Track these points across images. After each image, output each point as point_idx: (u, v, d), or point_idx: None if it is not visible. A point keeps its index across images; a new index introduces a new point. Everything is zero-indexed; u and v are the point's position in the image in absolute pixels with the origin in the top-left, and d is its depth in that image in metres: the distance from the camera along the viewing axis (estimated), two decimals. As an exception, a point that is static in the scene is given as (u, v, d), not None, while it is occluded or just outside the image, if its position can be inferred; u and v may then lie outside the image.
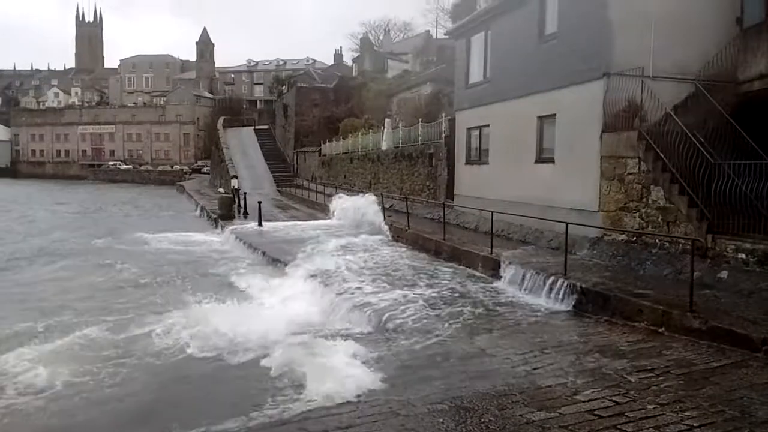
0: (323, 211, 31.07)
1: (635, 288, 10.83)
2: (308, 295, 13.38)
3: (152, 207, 48.31)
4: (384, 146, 32.59)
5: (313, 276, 14.57)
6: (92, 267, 19.14)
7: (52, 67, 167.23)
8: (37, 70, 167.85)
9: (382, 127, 34.58)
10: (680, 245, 12.19)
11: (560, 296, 11.28)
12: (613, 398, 6.62)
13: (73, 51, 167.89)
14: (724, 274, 11.04)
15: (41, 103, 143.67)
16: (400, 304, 11.55)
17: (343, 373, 7.71)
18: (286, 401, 7.24)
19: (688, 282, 9.45)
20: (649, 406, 6.37)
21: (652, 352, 8.26)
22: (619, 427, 5.90)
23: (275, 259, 17.85)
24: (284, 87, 71.59)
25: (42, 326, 11.59)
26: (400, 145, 30.10)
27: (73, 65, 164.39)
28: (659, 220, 12.82)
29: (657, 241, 12.87)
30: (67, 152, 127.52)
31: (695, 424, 5.90)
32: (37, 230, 31.65)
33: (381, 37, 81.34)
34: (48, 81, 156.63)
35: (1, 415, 7.58)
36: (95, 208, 48.25)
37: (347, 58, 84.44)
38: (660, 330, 9.16)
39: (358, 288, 13.10)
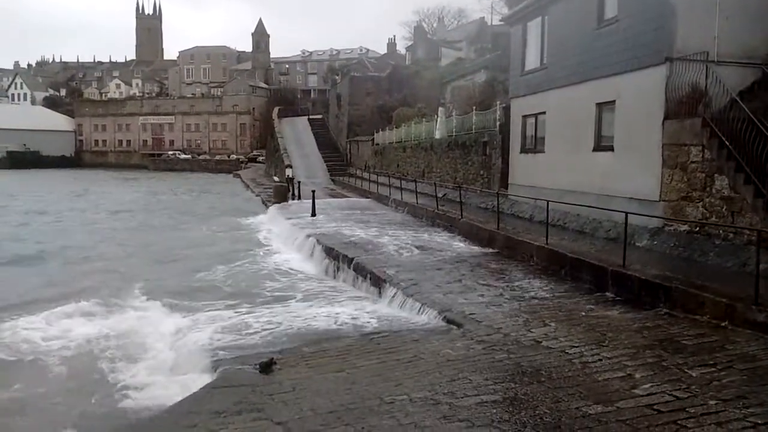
0: (378, 200, 31.28)
1: (697, 280, 10.49)
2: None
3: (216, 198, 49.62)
4: (437, 135, 32.42)
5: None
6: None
7: (113, 59, 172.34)
8: (99, 62, 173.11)
9: (435, 116, 34.39)
10: (745, 236, 11.75)
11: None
12: (674, 393, 6.45)
13: (134, 43, 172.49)
14: (792, 266, 10.58)
15: (103, 95, 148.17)
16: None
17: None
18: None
19: (753, 274, 9.09)
20: (711, 402, 6.17)
21: (715, 346, 7.99)
22: (679, 422, 5.74)
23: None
24: (338, 76, 72.01)
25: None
26: (454, 133, 29.87)
27: (134, 57, 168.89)
28: (723, 210, 12.37)
29: (721, 231, 12.43)
30: (128, 142, 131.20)
31: (759, 422, 5.69)
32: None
33: (435, 25, 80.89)
34: (110, 72, 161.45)
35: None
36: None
37: (400, 47, 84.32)
38: (723, 324, 8.85)
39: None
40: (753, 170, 11.73)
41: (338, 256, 16.05)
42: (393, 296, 12.07)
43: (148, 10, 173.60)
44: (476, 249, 16.50)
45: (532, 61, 21.13)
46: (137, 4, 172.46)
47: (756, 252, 9.40)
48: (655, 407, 6.10)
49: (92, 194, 51.26)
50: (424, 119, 36.96)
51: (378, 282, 13.13)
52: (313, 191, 27.09)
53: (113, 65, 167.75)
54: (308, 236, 19.62)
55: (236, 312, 12.19)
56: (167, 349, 10.37)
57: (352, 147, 55.38)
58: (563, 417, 6.00)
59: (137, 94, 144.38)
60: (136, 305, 13.62)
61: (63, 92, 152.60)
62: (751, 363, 7.31)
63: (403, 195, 27.95)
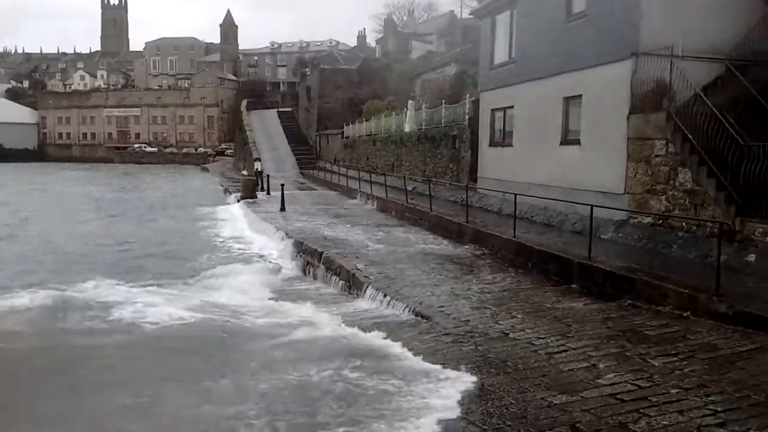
0: (348, 194, 31.22)
1: (661, 271, 10.68)
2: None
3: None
4: (407, 128, 32.44)
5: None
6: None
7: (78, 51, 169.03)
8: (63, 53, 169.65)
9: (405, 109, 34.40)
10: (707, 228, 11.98)
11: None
12: (637, 382, 6.56)
13: (99, 34, 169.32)
14: (751, 257, 10.84)
15: (67, 86, 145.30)
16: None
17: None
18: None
19: (714, 266, 9.27)
20: (673, 391, 6.29)
21: (677, 336, 8.15)
22: (641, 411, 5.85)
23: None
24: (307, 69, 71.68)
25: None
26: (423, 126, 29.93)
27: (99, 48, 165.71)
28: (686, 203, 12.60)
29: (684, 224, 12.66)
30: (93, 135, 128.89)
31: (719, 409, 5.82)
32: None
33: (405, 18, 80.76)
34: (74, 64, 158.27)
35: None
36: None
37: (370, 40, 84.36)
38: (685, 314, 9.02)
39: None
40: (715, 164, 11.96)
41: (308, 250, 15.96)
42: (363, 290, 12.04)
43: (114, 1, 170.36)
44: (445, 242, 16.56)
45: (500, 54, 21.22)
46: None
47: (717, 244, 9.60)
48: (618, 396, 6.20)
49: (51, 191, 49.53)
50: (394, 112, 36.96)
51: (348, 276, 13.10)
52: (282, 185, 26.82)
53: (78, 56, 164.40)
54: (277, 230, 19.50)
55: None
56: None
57: (322, 140, 55.17)
58: (529, 407, 6.07)
59: (102, 86, 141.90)
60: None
61: (26, 84, 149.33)
62: (712, 352, 7.46)
63: (373, 188, 27.93)
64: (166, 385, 7.73)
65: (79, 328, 10.33)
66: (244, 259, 17.07)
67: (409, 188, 24.16)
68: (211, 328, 10.24)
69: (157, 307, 11.26)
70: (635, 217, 14.02)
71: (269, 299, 12.48)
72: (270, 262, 16.50)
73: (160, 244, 20.76)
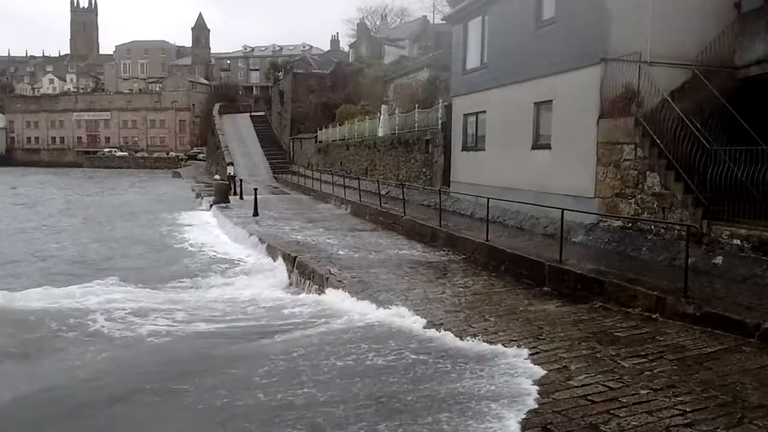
0: (322, 198, 31.16)
1: (630, 274, 10.84)
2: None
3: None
4: (380, 133, 32.50)
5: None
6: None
7: (46, 54, 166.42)
8: (32, 56, 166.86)
9: (378, 114, 34.47)
10: (675, 231, 12.19)
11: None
12: (607, 383, 6.64)
13: (68, 37, 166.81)
14: (719, 260, 11.05)
15: (36, 90, 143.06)
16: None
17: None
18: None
19: (683, 268, 9.45)
20: (642, 392, 6.38)
21: (646, 337, 8.26)
22: (612, 411, 5.92)
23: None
24: (280, 73, 71.27)
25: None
26: (397, 131, 30.02)
27: (68, 51, 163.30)
28: (655, 206, 12.81)
29: (652, 227, 12.87)
30: (62, 139, 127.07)
31: (688, 409, 5.92)
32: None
33: (378, 23, 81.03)
34: (43, 67, 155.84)
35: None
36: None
37: (344, 44, 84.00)
38: (654, 316, 9.16)
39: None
40: (683, 168, 12.19)
41: (282, 255, 15.86)
42: (336, 294, 12.00)
43: (84, 4, 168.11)
44: (419, 246, 16.59)
45: (473, 60, 21.39)
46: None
47: (685, 247, 9.77)
48: (589, 397, 6.27)
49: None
50: (367, 117, 37.00)
51: (321, 280, 13.06)
52: (256, 189, 26.62)
53: (46, 60, 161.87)
54: (250, 235, 19.39)
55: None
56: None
57: (296, 144, 54.98)
58: (501, 409, 6.11)
59: (72, 89, 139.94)
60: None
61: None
62: (681, 353, 7.59)
63: (347, 193, 27.91)
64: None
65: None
66: (216, 264, 16.96)
67: (383, 192, 24.19)
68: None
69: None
70: (605, 221, 14.21)
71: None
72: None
73: (131, 257, 19.93)
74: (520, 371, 7.09)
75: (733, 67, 14.01)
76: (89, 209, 36.66)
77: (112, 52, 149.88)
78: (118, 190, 53.50)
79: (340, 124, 41.76)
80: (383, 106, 35.27)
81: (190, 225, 26.28)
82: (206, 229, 24.62)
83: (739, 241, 10.96)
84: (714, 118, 12.68)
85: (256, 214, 24.22)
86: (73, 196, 46.70)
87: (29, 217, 31.61)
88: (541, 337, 8.41)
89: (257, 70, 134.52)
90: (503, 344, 8.04)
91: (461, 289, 11.66)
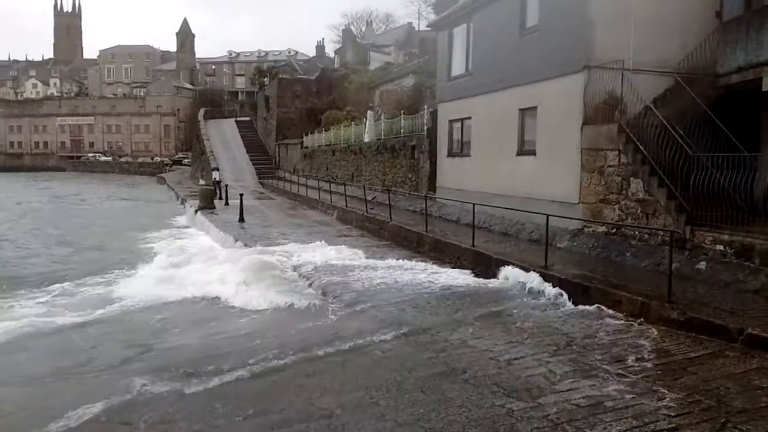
0: (308, 204, 31.11)
1: (615, 279, 10.93)
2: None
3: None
4: (366, 138, 32.51)
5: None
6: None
7: (30, 58, 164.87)
8: (14, 60, 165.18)
9: (364, 119, 34.48)
10: (659, 237, 12.31)
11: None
12: (592, 388, 6.68)
13: (52, 41, 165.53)
14: (702, 265, 11.17)
15: (19, 94, 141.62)
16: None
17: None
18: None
19: (666, 273, 9.55)
20: (627, 396, 6.43)
21: (631, 342, 8.33)
22: (597, 416, 5.96)
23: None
24: (266, 78, 71.21)
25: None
26: (383, 137, 30.04)
27: (52, 56, 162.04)
28: (639, 212, 12.93)
29: (636, 233, 12.98)
30: (45, 144, 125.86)
31: (672, 414, 5.97)
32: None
33: (363, 29, 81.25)
34: (26, 71, 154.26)
35: None
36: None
37: (329, 50, 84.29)
38: (638, 321, 9.24)
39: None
40: (666, 174, 12.32)
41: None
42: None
43: (67, 8, 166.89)
44: (405, 252, 16.62)
45: (458, 67, 21.48)
46: (56, 1, 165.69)
47: (669, 252, 9.89)
48: (574, 402, 6.31)
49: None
50: (353, 122, 37.01)
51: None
52: (241, 194, 26.54)
53: (30, 64, 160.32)
54: (236, 240, 19.33)
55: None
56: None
57: (281, 150, 54.90)
58: (488, 414, 6.13)
59: (55, 94, 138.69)
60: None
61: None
62: (665, 358, 7.67)
63: (333, 198, 27.91)
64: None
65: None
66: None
67: (369, 198, 24.21)
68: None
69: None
70: (590, 226, 14.32)
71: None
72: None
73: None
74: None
75: (715, 74, 14.18)
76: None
77: (96, 57, 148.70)
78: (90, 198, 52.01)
79: (326, 130, 41.74)
80: (369, 112, 35.26)
81: (180, 230, 26.11)
82: (191, 238, 24.47)
83: (722, 247, 11.08)
84: (696, 125, 12.82)
85: (242, 219, 24.13)
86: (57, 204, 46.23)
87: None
88: (526, 342, 8.46)
89: (243, 75, 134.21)
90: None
91: (447, 294, 11.68)
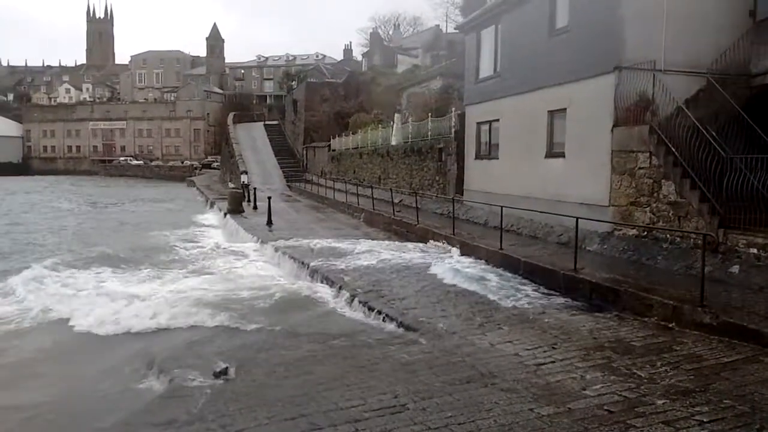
0: (335, 207, 31.22)
1: (646, 283, 10.79)
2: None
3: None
4: (393, 141, 32.54)
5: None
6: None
7: (63, 64, 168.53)
8: (48, 66, 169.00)
9: (391, 122, 34.53)
10: (691, 240, 12.12)
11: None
12: (623, 393, 6.60)
13: (84, 47, 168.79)
14: (735, 269, 10.97)
15: (52, 99, 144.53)
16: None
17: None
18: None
19: (699, 277, 9.41)
20: (659, 402, 6.34)
21: (662, 347, 8.21)
22: (628, 422, 5.87)
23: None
24: (294, 82, 71.78)
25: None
26: (410, 140, 30.03)
27: (84, 61, 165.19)
28: (670, 214, 12.75)
29: (668, 236, 12.80)
30: (78, 148, 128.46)
31: (705, 420, 5.87)
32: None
33: (391, 32, 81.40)
34: (59, 77, 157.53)
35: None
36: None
37: (357, 53, 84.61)
38: (670, 325, 9.11)
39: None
40: (698, 176, 12.13)
41: (302, 264, 15.83)
42: (350, 303, 12.02)
43: (100, 14, 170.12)
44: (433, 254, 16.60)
45: (485, 69, 21.41)
46: (88, 7, 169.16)
47: (702, 255, 9.73)
48: (605, 407, 6.24)
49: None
50: (380, 125, 37.07)
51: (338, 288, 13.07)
52: (269, 198, 26.75)
53: (63, 69, 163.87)
54: (263, 243, 19.47)
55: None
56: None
57: (309, 153, 55.18)
58: (517, 419, 6.09)
59: (88, 99, 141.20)
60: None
61: (10, 97, 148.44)
62: (698, 363, 7.54)
63: (360, 201, 27.96)
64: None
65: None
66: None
67: (396, 201, 24.24)
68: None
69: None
70: (620, 229, 14.15)
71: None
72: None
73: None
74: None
75: (748, 75, 13.95)
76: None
77: (127, 62, 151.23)
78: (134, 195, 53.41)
79: (353, 133, 41.86)
80: (396, 115, 35.32)
81: (208, 234, 26.41)
82: (219, 238, 24.68)
83: (755, 250, 10.87)
84: (729, 126, 12.62)
85: (270, 223, 24.32)
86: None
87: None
88: (556, 347, 8.38)
89: (271, 79, 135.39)
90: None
91: (474, 297, 11.64)
